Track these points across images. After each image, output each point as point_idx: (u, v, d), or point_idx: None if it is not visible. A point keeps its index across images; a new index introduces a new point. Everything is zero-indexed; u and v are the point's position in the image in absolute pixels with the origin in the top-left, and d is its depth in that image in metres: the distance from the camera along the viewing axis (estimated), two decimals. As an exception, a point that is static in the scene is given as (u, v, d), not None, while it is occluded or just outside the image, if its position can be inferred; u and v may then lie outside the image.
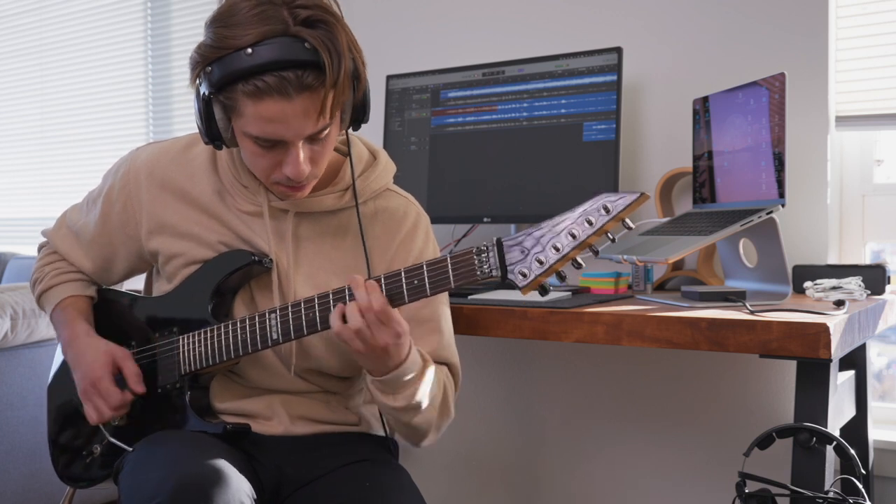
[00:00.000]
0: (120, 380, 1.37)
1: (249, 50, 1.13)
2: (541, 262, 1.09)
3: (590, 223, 1.07)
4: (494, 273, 1.12)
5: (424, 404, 1.27)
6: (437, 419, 1.33)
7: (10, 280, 2.89)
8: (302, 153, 1.21)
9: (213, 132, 1.24)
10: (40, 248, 1.58)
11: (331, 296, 1.21)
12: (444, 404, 1.34)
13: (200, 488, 1.12)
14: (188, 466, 1.16)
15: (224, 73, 1.16)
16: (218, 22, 1.18)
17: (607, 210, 1.06)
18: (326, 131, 1.22)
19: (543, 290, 1.12)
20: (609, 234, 1.08)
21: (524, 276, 1.10)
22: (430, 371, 1.29)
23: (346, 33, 1.19)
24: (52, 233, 1.54)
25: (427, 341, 1.37)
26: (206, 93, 1.19)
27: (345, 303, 1.19)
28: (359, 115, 1.27)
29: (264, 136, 1.20)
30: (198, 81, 1.21)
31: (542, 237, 1.09)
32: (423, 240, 1.42)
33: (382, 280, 1.18)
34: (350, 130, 1.37)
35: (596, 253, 1.10)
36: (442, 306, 1.41)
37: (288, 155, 1.22)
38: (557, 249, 1.08)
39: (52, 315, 1.49)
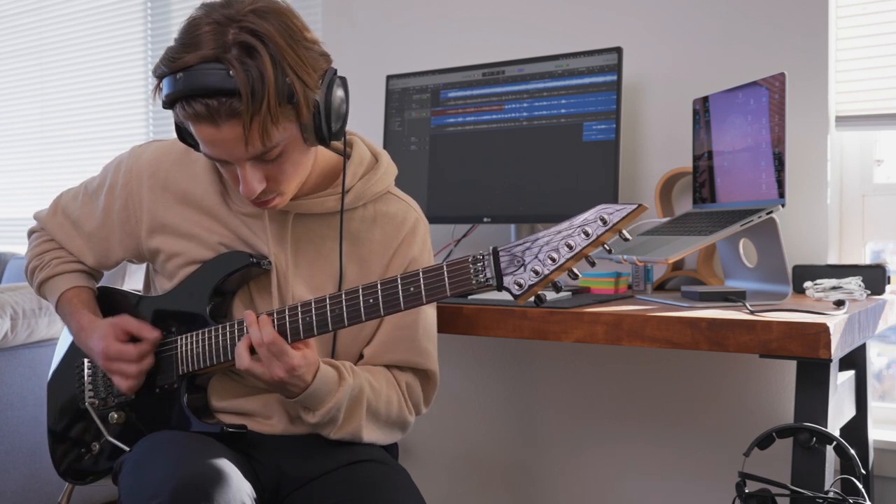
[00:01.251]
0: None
1: (181, 75, 1.15)
2: (537, 273, 1.09)
3: (586, 234, 1.07)
4: (490, 282, 1.12)
5: (341, 418, 1.32)
6: (370, 425, 1.36)
7: (10, 280, 2.89)
8: (250, 173, 1.22)
9: (185, 140, 1.28)
10: (32, 232, 1.57)
11: (328, 301, 1.22)
12: (398, 414, 1.39)
13: (201, 488, 1.12)
14: (189, 466, 1.16)
15: (166, 93, 1.18)
16: (176, 39, 1.20)
17: (604, 221, 1.07)
18: (275, 152, 1.21)
19: (539, 301, 1.12)
20: (605, 246, 1.09)
21: (520, 286, 1.10)
22: (347, 387, 1.30)
23: (286, 58, 1.16)
24: (47, 218, 1.53)
25: (405, 351, 1.40)
26: (162, 107, 1.22)
27: (340, 309, 1.21)
28: (319, 135, 1.23)
29: (210, 156, 1.23)
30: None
31: (539, 247, 1.09)
32: (420, 246, 1.43)
33: (379, 286, 1.19)
34: (353, 131, 1.37)
35: (592, 264, 1.10)
36: (427, 309, 1.42)
37: (239, 173, 1.24)
38: (554, 260, 1.08)
39: (56, 306, 1.50)
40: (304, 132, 1.22)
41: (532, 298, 1.12)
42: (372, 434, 1.37)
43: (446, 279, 1.14)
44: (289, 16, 1.21)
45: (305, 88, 1.18)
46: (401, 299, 1.17)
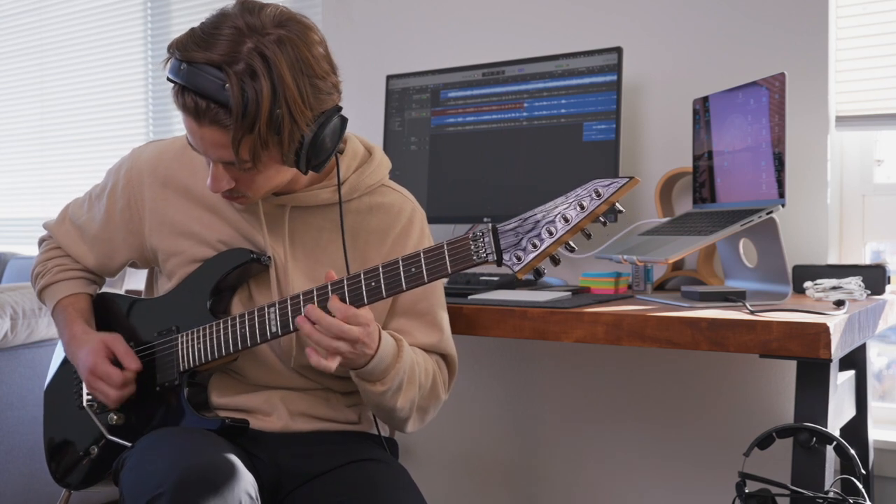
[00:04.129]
0: (118, 363, 1.38)
1: (184, 66, 1.18)
2: (535, 246, 1.12)
3: (582, 207, 1.10)
4: (490, 258, 1.15)
5: (405, 383, 1.30)
6: (420, 400, 1.35)
7: (10, 280, 2.89)
8: (218, 172, 1.25)
9: None
10: (41, 241, 1.59)
11: (329, 287, 1.22)
12: (432, 387, 1.37)
13: (206, 479, 1.12)
14: (193, 458, 1.16)
15: (168, 73, 1.21)
16: (200, 25, 1.21)
17: (599, 194, 1.10)
18: (247, 166, 1.22)
19: (538, 274, 1.15)
20: (601, 219, 1.12)
21: (519, 259, 1.13)
22: (406, 350, 1.31)
23: (287, 92, 1.17)
24: (54, 226, 1.55)
25: (426, 334, 1.40)
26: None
27: (342, 294, 1.21)
28: (308, 160, 1.24)
29: (189, 142, 1.26)
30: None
31: (537, 221, 1.12)
32: (419, 235, 1.43)
33: (381, 270, 1.19)
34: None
35: (588, 236, 1.13)
36: (437, 300, 1.42)
37: (210, 168, 1.26)
38: (551, 233, 1.11)
39: (53, 312, 1.50)
40: (284, 157, 1.23)
41: (531, 272, 1.15)
42: (415, 419, 1.36)
43: (447, 257, 1.16)
44: (310, 45, 1.21)
45: (293, 125, 1.19)
46: (402, 280, 1.18)
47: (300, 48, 1.19)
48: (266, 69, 1.16)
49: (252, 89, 1.16)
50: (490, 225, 1.14)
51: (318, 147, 1.24)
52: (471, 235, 1.15)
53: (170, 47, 1.22)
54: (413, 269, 1.18)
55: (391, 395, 1.29)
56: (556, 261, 1.14)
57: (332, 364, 1.20)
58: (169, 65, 1.21)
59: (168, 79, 1.21)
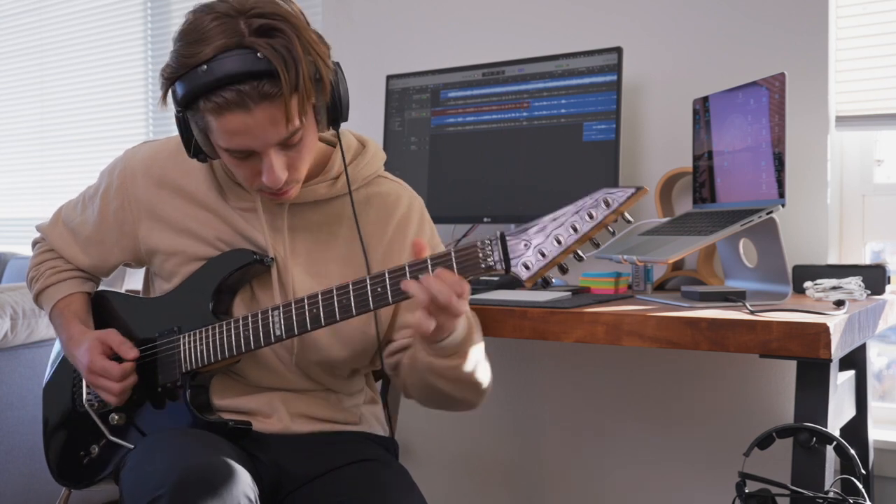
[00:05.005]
0: (117, 358, 1.38)
1: (205, 67, 1.15)
2: (543, 255, 1.11)
3: (590, 217, 1.10)
4: (498, 266, 1.14)
5: (482, 355, 1.30)
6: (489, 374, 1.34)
7: (10, 280, 2.89)
8: (276, 161, 1.22)
9: (192, 147, 1.27)
10: (35, 243, 1.59)
11: (335, 292, 1.22)
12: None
13: (205, 480, 1.12)
14: (192, 459, 1.16)
15: (185, 91, 1.17)
16: (179, 39, 1.19)
17: (607, 204, 1.09)
18: (298, 136, 1.22)
19: (546, 283, 1.14)
20: (609, 228, 1.11)
21: (527, 268, 1.12)
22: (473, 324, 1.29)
23: (305, 36, 1.18)
24: (47, 229, 1.55)
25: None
26: (176, 111, 1.21)
27: (348, 299, 1.20)
28: (334, 115, 1.26)
29: (234, 148, 1.22)
30: (168, 100, 1.23)
31: (545, 230, 1.11)
32: (419, 222, 1.43)
33: (387, 275, 1.19)
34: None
35: (597, 245, 1.12)
36: None
37: (262, 164, 1.23)
38: (559, 242, 1.10)
39: (50, 316, 1.50)
40: (318, 114, 1.24)
41: (539, 280, 1.14)
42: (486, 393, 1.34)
43: (455, 265, 1.15)
44: (292, 3, 1.22)
45: (326, 67, 1.21)
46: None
47: (285, 5, 1.20)
48: (280, 23, 1.16)
49: (283, 46, 1.15)
50: (498, 233, 1.14)
51: (343, 96, 1.26)
52: (479, 243, 1.14)
53: (165, 72, 1.19)
54: (419, 277, 1.17)
55: (470, 339, 1.24)
56: (563, 269, 1.13)
57: (431, 324, 1.14)
58: (179, 86, 1.17)
59: (186, 98, 1.17)
